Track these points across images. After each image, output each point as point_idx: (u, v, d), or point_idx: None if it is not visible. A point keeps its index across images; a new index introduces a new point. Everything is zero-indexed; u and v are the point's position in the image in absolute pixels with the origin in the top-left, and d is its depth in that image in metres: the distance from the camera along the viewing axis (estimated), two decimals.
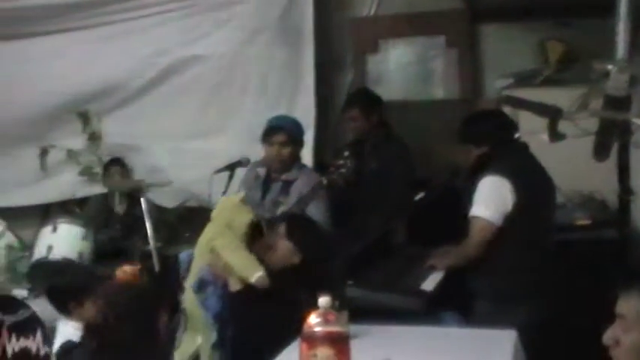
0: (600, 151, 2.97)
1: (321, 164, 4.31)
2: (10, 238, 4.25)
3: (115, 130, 4.94)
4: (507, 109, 3.63)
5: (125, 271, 2.62)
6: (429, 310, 3.06)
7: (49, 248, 4.11)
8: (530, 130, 3.23)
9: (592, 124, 2.96)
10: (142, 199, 4.17)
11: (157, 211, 4.60)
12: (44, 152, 4.93)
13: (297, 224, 3.02)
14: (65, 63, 4.93)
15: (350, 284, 3.05)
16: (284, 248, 2.91)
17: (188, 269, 3.24)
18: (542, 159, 3.28)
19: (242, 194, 3.27)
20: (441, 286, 3.20)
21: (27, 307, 3.83)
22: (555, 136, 2.95)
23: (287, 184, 3.74)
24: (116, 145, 4.90)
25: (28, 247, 4.26)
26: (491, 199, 3.13)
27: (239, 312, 2.84)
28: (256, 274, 2.83)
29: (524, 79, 4.32)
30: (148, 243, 4.13)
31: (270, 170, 3.81)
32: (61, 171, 5.04)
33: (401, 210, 3.84)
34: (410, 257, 3.50)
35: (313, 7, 4.67)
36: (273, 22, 4.74)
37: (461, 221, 3.23)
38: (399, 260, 3.50)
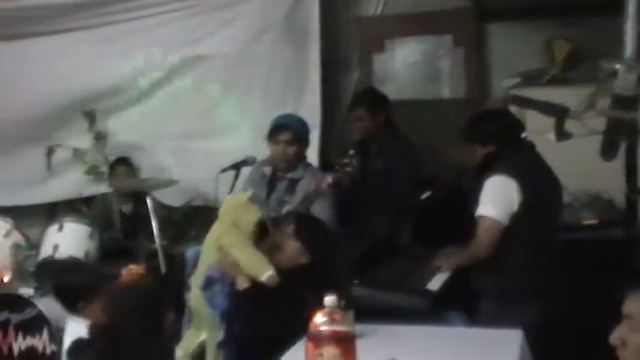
0: (608, 151, 2.96)
1: (326, 163, 4.31)
2: (16, 236, 4.27)
3: (121, 130, 4.95)
4: (514, 109, 3.62)
5: (130, 270, 2.63)
6: (434, 310, 3.06)
7: (55, 247, 4.13)
8: (537, 129, 3.22)
9: (599, 123, 2.95)
10: (147, 198, 4.17)
11: (163, 209, 4.61)
12: (50, 152, 4.94)
13: (306, 224, 3.01)
14: (69, 63, 4.94)
15: (356, 283, 3.05)
16: (292, 248, 2.90)
17: (194, 266, 3.24)
18: (549, 158, 3.27)
19: (250, 193, 3.26)
20: (447, 285, 3.20)
21: (33, 305, 3.88)
22: (562, 135, 2.95)
23: (292, 183, 3.74)
24: (122, 144, 4.91)
25: (34, 245, 4.28)
26: (497, 198, 3.13)
27: (246, 310, 2.84)
28: (267, 273, 2.83)
29: (531, 79, 4.30)
30: (153, 242, 4.13)
31: (276, 169, 3.81)
32: (67, 170, 5.05)
33: (407, 209, 3.83)
34: (416, 257, 3.50)
35: (319, 6, 4.67)
36: (279, 22, 4.74)
37: (467, 221, 3.22)
38: (404, 260, 3.50)
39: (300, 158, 3.79)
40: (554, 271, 3.16)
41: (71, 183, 5.03)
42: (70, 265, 4.05)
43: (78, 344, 2.75)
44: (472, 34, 4.74)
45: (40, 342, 3.80)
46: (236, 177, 3.89)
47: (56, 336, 3.78)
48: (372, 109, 4.30)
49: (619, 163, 3.22)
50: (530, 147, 3.29)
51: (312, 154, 4.27)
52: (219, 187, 3.87)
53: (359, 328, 2.22)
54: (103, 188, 4.85)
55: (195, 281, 3.13)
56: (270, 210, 3.60)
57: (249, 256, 2.92)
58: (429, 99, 4.89)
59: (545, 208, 3.22)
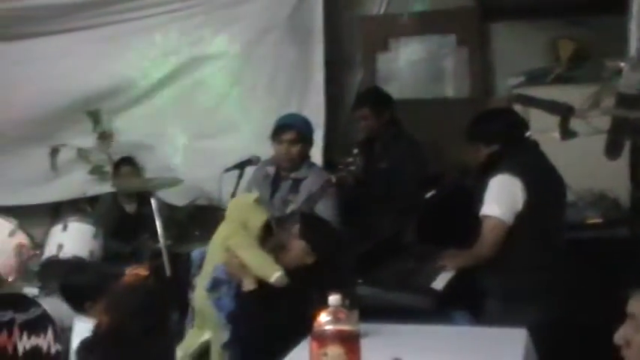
0: (612, 150, 2.96)
1: (330, 163, 4.31)
2: (21, 236, 4.27)
3: (125, 129, 4.96)
4: (518, 108, 3.62)
5: (133, 270, 2.63)
6: (439, 309, 3.05)
7: (60, 247, 4.13)
8: (542, 128, 3.22)
9: (604, 122, 2.95)
10: (151, 198, 4.18)
11: (167, 209, 4.61)
12: (54, 151, 4.95)
13: (311, 224, 3.01)
14: (72, 63, 4.95)
15: (360, 283, 3.04)
16: (298, 248, 2.90)
17: (200, 267, 3.25)
18: (554, 157, 3.26)
19: (256, 194, 3.27)
20: (452, 284, 3.19)
21: (38, 305, 3.89)
22: (567, 134, 2.95)
23: (296, 183, 3.74)
24: (126, 143, 4.91)
25: (38, 245, 4.28)
26: (502, 197, 3.12)
27: (251, 311, 2.84)
28: (276, 274, 2.83)
29: (535, 78, 4.30)
30: (158, 241, 4.14)
31: (280, 169, 3.81)
32: (71, 170, 5.06)
33: (411, 208, 3.83)
34: (420, 256, 3.49)
35: (323, 5, 4.67)
36: (282, 21, 4.74)
37: (471, 220, 3.22)
38: (409, 259, 3.49)
39: (303, 158, 3.79)
40: (558, 270, 3.16)
41: (75, 183, 5.03)
42: (76, 264, 4.06)
43: (86, 344, 2.75)
44: (476, 33, 4.73)
45: (45, 341, 3.80)
46: (240, 176, 3.89)
47: (61, 335, 3.79)
48: (376, 108, 4.29)
49: (623, 161, 3.22)
50: (534, 146, 3.29)
51: (316, 154, 4.27)
52: (223, 187, 3.88)
53: (363, 327, 2.22)
54: (107, 188, 4.86)
55: (201, 282, 3.13)
56: (274, 210, 3.60)
57: (257, 258, 2.92)
58: (432, 98, 4.88)
59: (549, 207, 3.21)
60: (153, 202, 4.15)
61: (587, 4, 4.18)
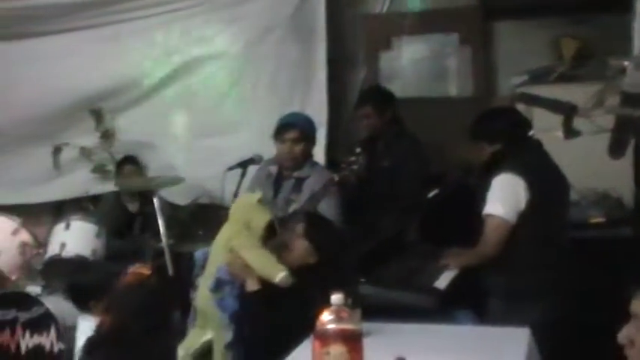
0: (616, 149, 2.96)
1: (333, 162, 4.31)
2: (24, 235, 4.27)
3: (128, 128, 4.96)
4: (521, 107, 3.61)
5: (135, 270, 2.63)
6: (442, 308, 3.05)
7: (62, 245, 4.13)
8: (545, 127, 3.21)
9: (608, 121, 2.94)
10: (154, 197, 4.18)
11: (170, 208, 4.61)
12: (57, 150, 4.95)
13: (315, 223, 3.01)
14: (76, 62, 4.95)
15: (363, 282, 3.04)
16: (301, 247, 2.90)
17: (203, 268, 3.24)
18: (557, 156, 3.26)
19: (259, 194, 3.26)
20: (455, 284, 3.19)
21: (41, 303, 3.89)
22: (570, 133, 2.94)
23: (299, 182, 3.73)
24: (129, 142, 4.92)
25: (41, 244, 4.28)
26: (505, 196, 3.11)
27: (255, 312, 2.84)
28: (280, 274, 2.82)
29: (538, 76, 4.29)
30: (160, 240, 4.14)
31: (282, 168, 3.80)
32: (73, 169, 5.06)
33: (414, 207, 3.82)
34: (423, 255, 3.49)
35: (325, 4, 4.67)
36: (285, 20, 4.73)
37: (474, 219, 3.21)
38: (412, 258, 3.49)
39: (306, 157, 3.79)
40: (561, 270, 3.15)
41: (78, 181, 5.03)
42: (81, 263, 4.06)
43: (92, 342, 2.76)
44: (479, 32, 4.72)
45: (48, 340, 3.81)
46: (243, 175, 3.89)
47: (63, 334, 3.79)
48: (378, 106, 4.29)
49: (627, 161, 3.21)
50: (537, 145, 3.28)
51: (319, 153, 4.27)
52: (226, 186, 3.88)
53: (366, 326, 2.22)
54: (109, 187, 4.86)
55: (204, 282, 3.12)
56: (277, 209, 3.60)
57: (261, 258, 2.92)
58: (435, 97, 4.87)
59: (552, 206, 3.20)
60: (155, 201, 4.15)
61: (590, 3, 4.17)
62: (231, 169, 3.93)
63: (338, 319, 1.99)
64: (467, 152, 3.52)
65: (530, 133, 3.29)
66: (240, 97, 4.87)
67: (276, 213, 3.43)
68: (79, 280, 3.54)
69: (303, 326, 2.23)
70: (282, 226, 3.12)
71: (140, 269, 2.62)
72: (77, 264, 4.05)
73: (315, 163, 3.88)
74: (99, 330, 2.53)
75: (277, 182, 3.81)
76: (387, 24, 4.89)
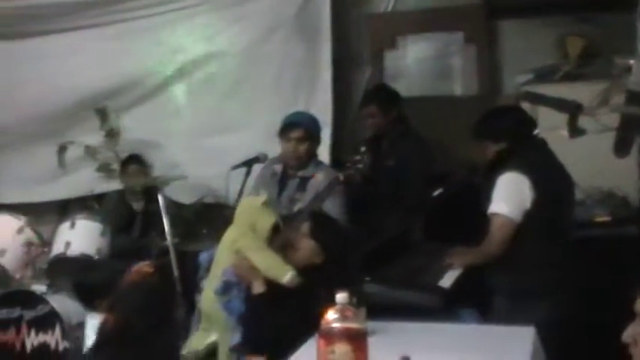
0: (621, 147, 2.95)
1: (338, 161, 4.30)
2: (29, 233, 4.28)
3: (133, 127, 4.96)
4: (526, 106, 3.60)
5: (137, 269, 2.63)
6: (446, 307, 3.04)
7: (67, 244, 4.14)
8: (550, 126, 3.21)
9: (613, 119, 2.94)
10: (159, 195, 4.18)
11: (175, 207, 4.61)
12: (62, 149, 4.96)
13: (321, 223, 3.00)
14: (81, 60, 4.96)
15: (367, 280, 3.04)
16: (307, 247, 2.90)
17: (207, 270, 3.24)
18: (562, 155, 3.25)
19: (264, 197, 3.26)
20: (459, 282, 3.18)
21: (46, 302, 3.90)
22: (575, 131, 2.93)
23: (304, 181, 3.73)
24: (134, 141, 4.92)
25: (46, 243, 4.29)
26: (510, 195, 3.11)
27: (261, 313, 2.84)
28: (288, 274, 2.83)
29: (544, 75, 4.29)
30: (165, 239, 4.14)
31: (287, 167, 3.80)
32: (78, 167, 5.07)
33: (418, 206, 3.82)
34: (427, 253, 3.49)
35: (330, 3, 4.66)
36: (290, 19, 4.73)
37: (479, 218, 3.21)
38: (416, 256, 3.49)
39: (311, 156, 3.79)
40: (566, 269, 3.15)
41: (83, 180, 5.04)
42: (88, 262, 4.07)
43: (96, 341, 2.76)
44: (484, 30, 4.71)
45: (53, 338, 3.81)
46: (247, 174, 3.89)
47: (68, 333, 3.80)
48: (383, 105, 4.29)
49: (632, 159, 3.20)
50: (542, 144, 3.28)
51: (324, 152, 4.27)
52: (231, 185, 3.88)
53: (371, 325, 2.22)
54: (114, 185, 4.87)
55: (209, 285, 3.12)
56: (282, 208, 3.60)
57: (267, 259, 2.92)
58: (440, 96, 4.87)
59: (557, 204, 3.20)
60: (160, 199, 4.16)
61: (596, 1, 4.16)
62: (235, 167, 3.93)
63: (343, 317, 1.99)
64: (472, 151, 3.52)
65: (535, 131, 3.28)
66: (245, 97, 4.87)
67: (281, 211, 3.43)
68: (85, 279, 3.54)
69: (309, 327, 2.22)
70: (286, 225, 3.12)
71: (143, 268, 2.63)
72: (83, 262, 4.05)
73: (320, 162, 3.88)
74: (102, 328, 2.53)
75: (282, 181, 3.81)
76: (392, 23, 4.89)
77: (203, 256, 3.44)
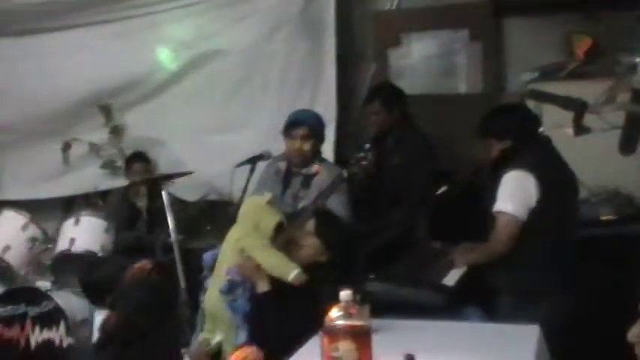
0: (626, 146, 2.94)
1: (342, 158, 4.30)
2: (33, 230, 4.29)
3: (137, 124, 4.97)
4: (531, 103, 3.60)
5: (138, 266, 2.64)
6: (450, 305, 3.04)
7: (72, 241, 4.15)
8: (555, 124, 3.20)
9: (618, 117, 2.93)
10: (163, 193, 4.18)
11: (179, 204, 4.62)
12: (67, 146, 4.97)
13: (326, 221, 3.00)
14: (86, 57, 4.96)
15: (371, 278, 3.04)
16: (311, 245, 2.90)
17: (211, 270, 3.24)
18: (567, 153, 3.24)
19: (269, 196, 3.26)
20: (463, 281, 3.18)
21: (50, 298, 3.91)
22: (580, 129, 2.93)
23: (307, 178, 3.73)
24: (138, 138, 4.93)
25: (51, 239, 4.30)
26: (516, 194, 3.10)
27: (266, 312, 2.84)
28: (293, 272, 2.82)
29: (549, 73, 4.27)
30: (169, 236, 4.14)
31: (291, 164, 3.80)
32: (83, 164, 5.08)
33: (423, 204, 3.81)
34: (431, 252, 3.48)
35: (334, 1, 4.66)
36: (294, 16, 4.73)
37: (483, 216, 3.20)
38: (420, 255, 3.48)
39: (315, 154, 3.78)
40: (571, 267, 3.14)
41: (87, 177, 5.05)
42: (95, 258, 4.08)
43: (99, 338, 2.77)
44: (489, 28, 4.69)
45: (57, 335, 3.83)
46: (251, 171, 3.88)
47: (73, 329, 3.81)
48: (387, 103, 4.28)
49: (638, 157, 3.19)
50: (546, 142, 3.27)
51: (328, 149, 4.26)
52: (235, 182, 3.87)
53: (375, 322, 2.21)
54: (118, 182, 4.87)
55: (213, 284, 3.12)
56: (285, 205, 3.60)
57: (272, 258, 2.92)
58: (445, 94, 4.86)
59: (562, 203, 3.19)
60: (164, 196, 4.16)
61: None
62: (240, 165, 3.93)
63: (347, 315, 1.99)
64: (476, 149, 3.51)
65: (540, 129, 3.27)
66: (249, 94, 4.87)
67: (285, 209, 3.43)
68: (92, 275, 3.54)
69: (313, 324, 2.22)
70: (290, 223, 3.11)
71: (143, 265, 2.63)
72: (89, 259, 4.06)
73: (324, 160, 3.88)
74: (105, 326, 2.53)
75: (286, 178, 3.80)
76: (397, 20, 4.88)
77: (207, 256, 3.44)
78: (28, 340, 3.85)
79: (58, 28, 5.00)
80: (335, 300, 2.02)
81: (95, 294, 3.42)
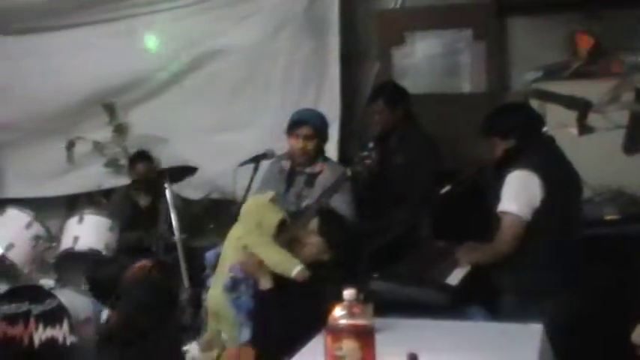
0: (630, 145, 2.94)
1: (345, 157, 4.30)
2: (37, 228, 4.30)
3: (141, 123, 4.97)
4: (535, 103, 3.59)
5: (139, 266, 2.64)
6: (454, 305, 3.04)
7: (76, 239, 4.15)
8: (559, 123, 3.19)
9: (622, 117, 2.92)
10: (166, 191, 4.19)
11: (182, 202, 4.62)
12: (71, 144, 4.99)
13: (329, 220, 3.00)
14: (90, 56, 4.98)
15: (375, 277, 3.04)
16: (315, 244, 2.90)
17: (214, 268, 3.24)
18: (571, 153, 3.24)
19: (271, 194, 3.26)
20: (467, 280, 3.18)
21: (54, 297, 3.91)
22: (584, 129, 2.92)
23: (311, 177, 3.73)
24: (142, 136, 4.93)
25: (55, 237, 4.31)
26: (520, 194, 3.10)
27: (269, 310, 2.84)
28: (296, 268, 2.83)
29: (553, 72, 4.27)
30: (173, 234, 4.15)
31: (294, 163, 3.80)
32: (87, 163, 5.10)
33: (426, 203, 3.81)
34: (435, 251, 3.48)
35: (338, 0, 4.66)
36: (298, 15, 4.73)
37: (486, 215, 3.20)
38: (424, 254, 3.48)
39: (318, 153, 3.78)
40: (575, 267, 3.13)
41: (91, 175, 5.06)
42: (98, 257, 4.08)
43: (101, 336, 2.78)
44: (492, 27, 4.69)
45: (60, 333, 3.82)
46: (255, 170, 3.89)
47: (76, 327, 3.81)
48: (391, 102, 4.28)
49: None
50: (550, 141, 3.26)
51: (331, 148, 4.26)
52: (238, 181, 3.88)
53: (378, 322, 2.21)
54: (122, 180, 4.88)
55: (216, 282, 3.12)
56: (289, 204, 3.60)
57: (275, 255, 2.92)
58: (448, 93, 4.86)
59: (566, 202, 3.19)
60: (168, 195, 4.16)
61: None
62: (243, 164, 3.93)
63: (350, 314, 1.99)
64: (480, 148, 3.51)
65: (544, 129, 3.27)
66: (253, 93, 4.88)
67: (288, 208, 3.43)
68: (98, 274, 3.55)
69: (317, 323, 2.22)
70: (294, 221, 3.11)
71: (143, 265, 2.63)
72: (94, 257, 4.07)
73: (328, 159, 3.88)
74: (106, 324, 2.54)
75: (289, 177, 3.80)
76: (401, 19, 4.88)
77: (209, 254, 3.44)
78: (31, 338, 3.85)
79: (62, 26, 5.02)
80: (338, 299, 2.02)
81: (102, 292, 3.42)
